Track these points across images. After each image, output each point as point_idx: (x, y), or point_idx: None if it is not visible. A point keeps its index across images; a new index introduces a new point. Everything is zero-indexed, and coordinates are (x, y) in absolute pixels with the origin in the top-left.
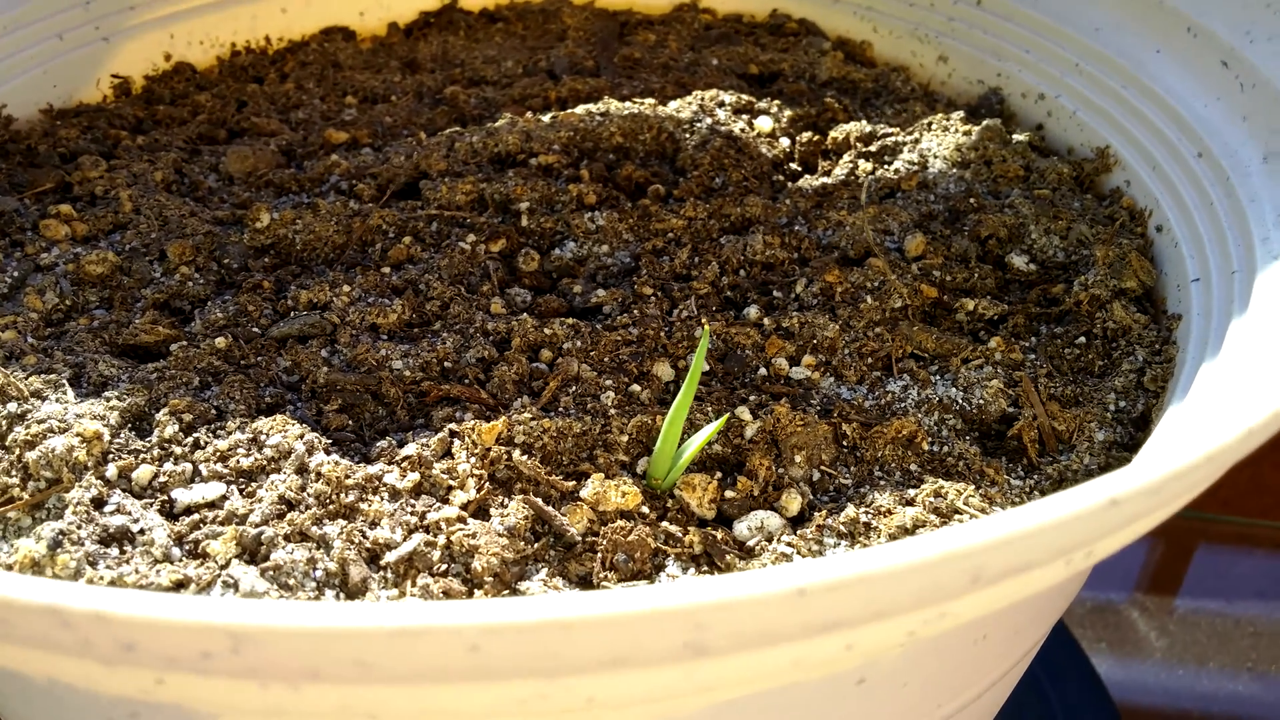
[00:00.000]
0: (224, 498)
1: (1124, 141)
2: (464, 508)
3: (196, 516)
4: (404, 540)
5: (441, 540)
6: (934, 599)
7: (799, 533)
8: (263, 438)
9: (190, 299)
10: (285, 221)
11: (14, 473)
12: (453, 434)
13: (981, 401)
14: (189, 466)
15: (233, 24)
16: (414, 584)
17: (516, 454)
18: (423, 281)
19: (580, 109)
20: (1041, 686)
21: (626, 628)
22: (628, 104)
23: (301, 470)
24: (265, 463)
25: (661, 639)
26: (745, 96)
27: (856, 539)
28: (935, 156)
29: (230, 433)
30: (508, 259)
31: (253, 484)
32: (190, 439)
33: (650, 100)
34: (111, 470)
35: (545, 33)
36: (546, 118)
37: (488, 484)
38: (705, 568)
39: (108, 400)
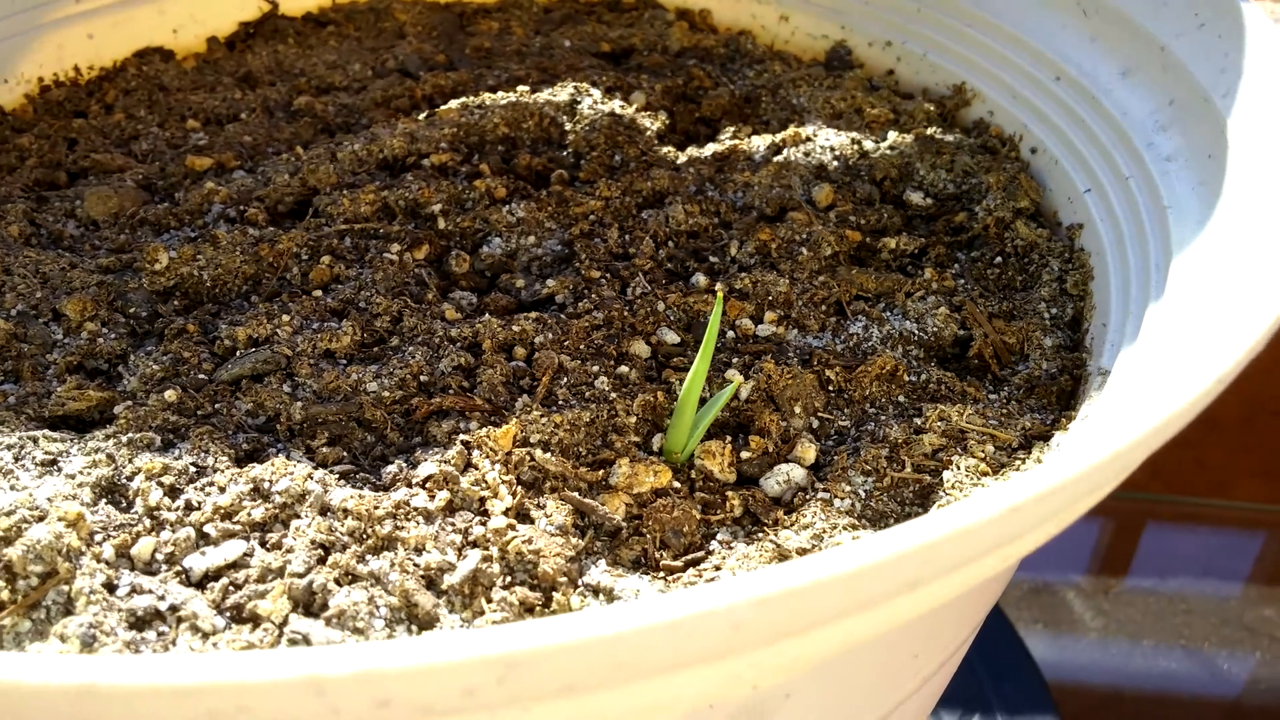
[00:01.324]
0: (247, 555)
1: (978, 76)
2: (506, 515)
3: (225, 581)
4: (459, 560)
5: (496, 552)
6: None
7: (826, 480)
8: (266, 486)
9: (106, 357)
10: (185, 259)
11: None
12: (466, 445)
13: (935, 329)
14: (190, 531)
15: (37, 57)
16: (487, 600)
17: (538, 453)
18: (361, 299)
19: (455, 104)
20: (973, 667)
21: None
22: (501, 94)
23: (325, 511)
24: (278, 511)
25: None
26: (612, 74)
27: (884, 475)
28: (809, 111)
29: (223, 488)
30: (435, 264)
31: (273, 535)
32: (179, 502)
33: (522, 88)
34: (108, 550)
35: (380, 32)
36: (422, 117)
37: (518, 488)
38: (752, 528)
39: (69, 478)
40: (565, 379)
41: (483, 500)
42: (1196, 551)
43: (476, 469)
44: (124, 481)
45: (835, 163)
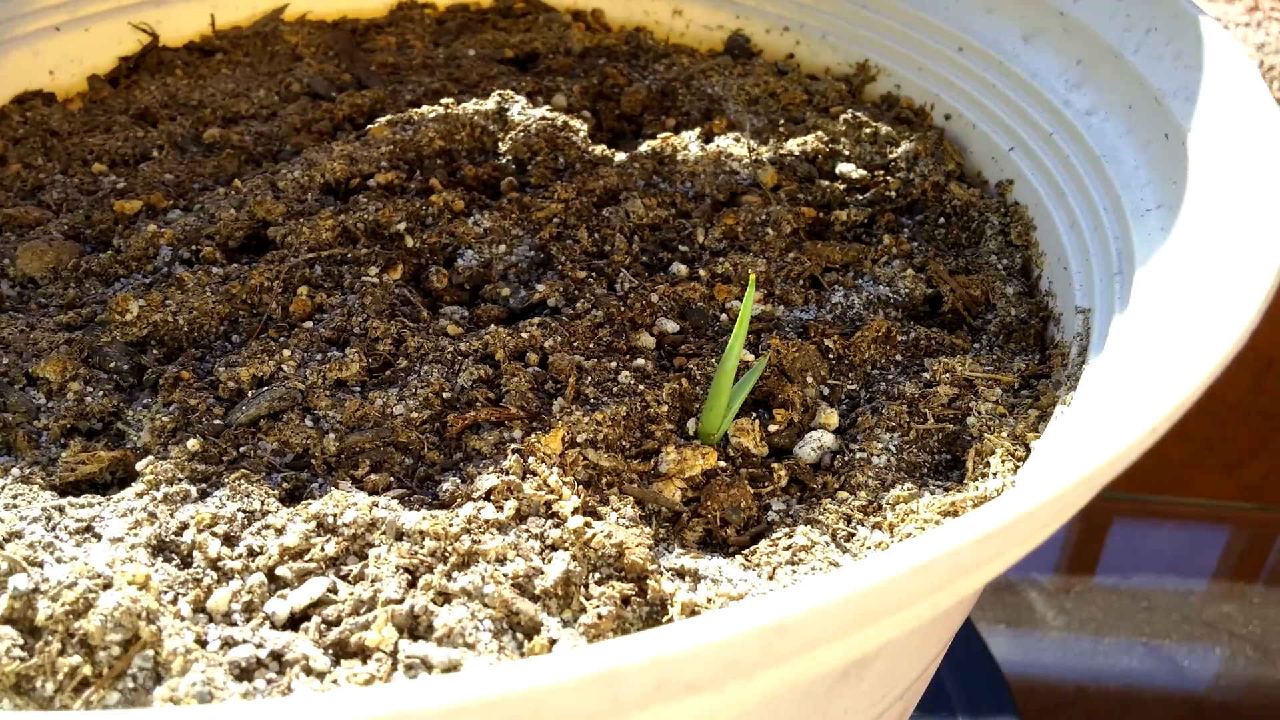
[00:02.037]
0: (331, 591)
1: (880, 52)
2: (576, 514)
3: (316, 620)
4: (546, 564)
5: (579, 551)
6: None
7: (859, 440)
8: (331, 520)
9: (99, 416)
10: (155, 305)
11: (70, 651)
12: (518, 453)
13: (907, 290)
14: (261, 577)
15: None
16: (586, 597)
17: (590, 452)
18: (355, 325)
19: (382, 122)
20: (938, 674)
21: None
22: (426, 108)
23: (401, 536)
24: (349, 544)
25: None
26: (528, 79)
27: (910, 428)
28: (725, 99)
29: (281, 529)
30: (413, 282)
31: (349, 568)
32: (239, 550)
33: (447, 100)
34: (185, 608)
35: (273, 55)
36: (354, 138)
37: (579, 488)
38: (803, 494)
39: (116, 541)
40: (588, 378)
41: (549, 504)
42: (1159, 549)
43: (535, 475)
44: (174, 537)
45: (767, 145)
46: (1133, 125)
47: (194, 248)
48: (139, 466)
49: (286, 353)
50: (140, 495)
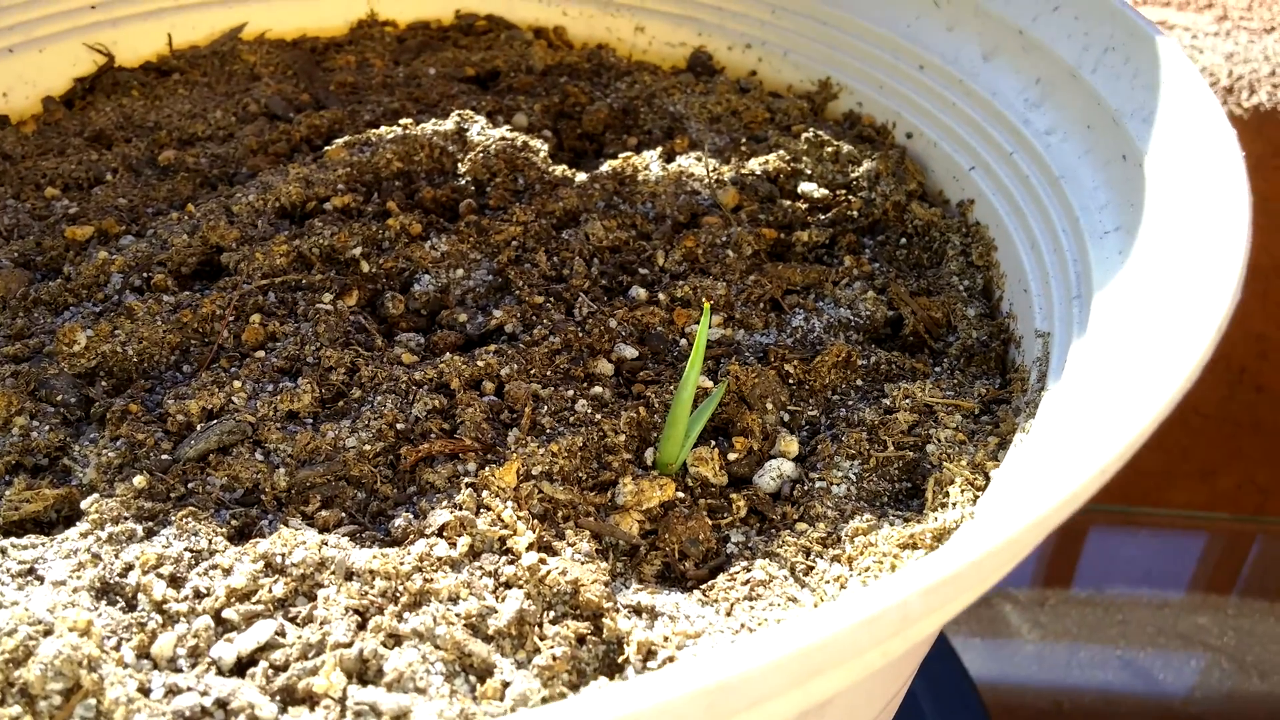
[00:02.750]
0: (279, 634)
1: (842, 71)
2: (531, 550)
3: (264, 665)
4: (500, 602)
5: (533, 589)
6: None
7: (819, 469)
8: (279, 560)
9: (45, 451)
10: (104, 335)
11: (10, 700)
12: (472, 487)
13: (868, 312)
14: (208, 620)
15: None
16: (540, 637)
17: (545, 485)
18: (308, 355)
19: (339, 143)
20: (911, 688)
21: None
22: (384, 129)
23: (350, 575)
24: (297, 584)
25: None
26: (489, 98)
27: (869, 456)
28: (687, 118)
29: (228, 569)
30: (368, 309)
31: (298, 609)
32: (185, 591)
33: (406, 120)
34: (128, 654)
35: (231, 75)
36: (310, 160)
37: (534, 522)
38: (762, 526)
39: (59, 585)
40: (545, 407)
41: (503, 540)
42: (1135, 560)
43: (489, 509)
44: (118, 579)
45: (729, 165)
46: (1091, 145)
47: (145, 275)
48: (84, 505)
49: (237, 384)
50: (85, 535)
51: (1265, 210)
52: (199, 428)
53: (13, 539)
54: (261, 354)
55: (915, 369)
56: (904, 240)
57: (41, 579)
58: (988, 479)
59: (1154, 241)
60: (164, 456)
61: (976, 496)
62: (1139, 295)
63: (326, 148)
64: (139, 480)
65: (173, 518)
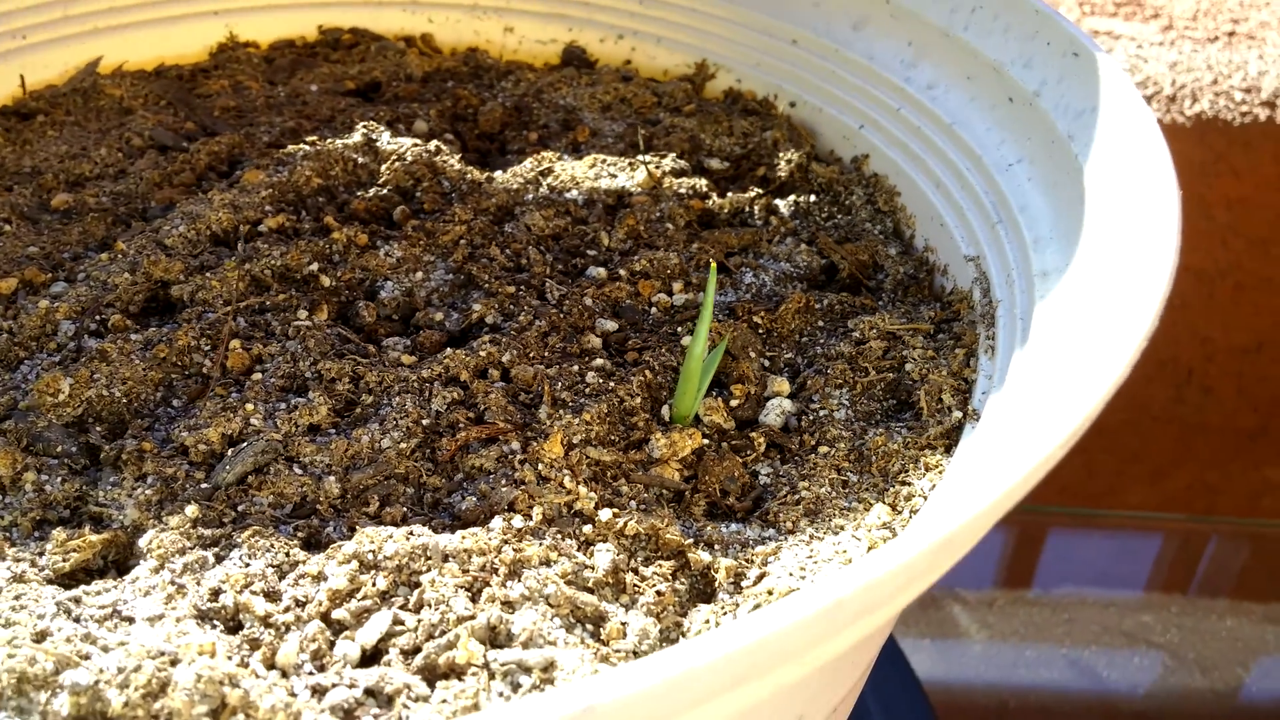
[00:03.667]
0: (397, 622)
1: (714, 52)
2: (599, 507)
3: (394, 652)
4: (590, 558)
5: (615, 541)
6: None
7: (815, 400)
8: (372, 556)
9: (65, 503)
10: (85, 382)
11: None
12: (525, 463)
13: (805, 263)
14: (318, 624)
15: None
16: (640, 579)
17: (591, 450)
18: (306, 370)
19: (251, 166)
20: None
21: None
22: (291, 147)
23: (448, 558)
24: (396, 575)
25: None
26: (384, 109)
27: (855, 383)
28: (579, 109)
29: (319, 576)
30: (341, 321)
31: (400, 598)
32: (285, 602)
33: (311, 138)
34: (258, 668)
35: (99, 112)
36: (227, 186)
37: (592, 484)
38: (782, 456)
39: (155, 620)
40: (559, 384)
41: (569, 504)
42: (1086, 561)
43: (549, 479)
44: (210, 605)
45: (630, 148)
46: (975, 93)
47: (99, 318)
48: (142, 543)
49: (250, 406)
50: (156, 571)
51: (1209, 216)
52: (229, 453)
53: (83, 588)
54: (258, 376)
55: (864, 305)
56: (813, 197)
57: (131, 619)
58: (969, 384)
59: (1060, 168)
60: (203, 486)
61: (965, 400)
62: (1064, 217)
63: (238, 173)
64: (191, 510)
65: (238, 539)
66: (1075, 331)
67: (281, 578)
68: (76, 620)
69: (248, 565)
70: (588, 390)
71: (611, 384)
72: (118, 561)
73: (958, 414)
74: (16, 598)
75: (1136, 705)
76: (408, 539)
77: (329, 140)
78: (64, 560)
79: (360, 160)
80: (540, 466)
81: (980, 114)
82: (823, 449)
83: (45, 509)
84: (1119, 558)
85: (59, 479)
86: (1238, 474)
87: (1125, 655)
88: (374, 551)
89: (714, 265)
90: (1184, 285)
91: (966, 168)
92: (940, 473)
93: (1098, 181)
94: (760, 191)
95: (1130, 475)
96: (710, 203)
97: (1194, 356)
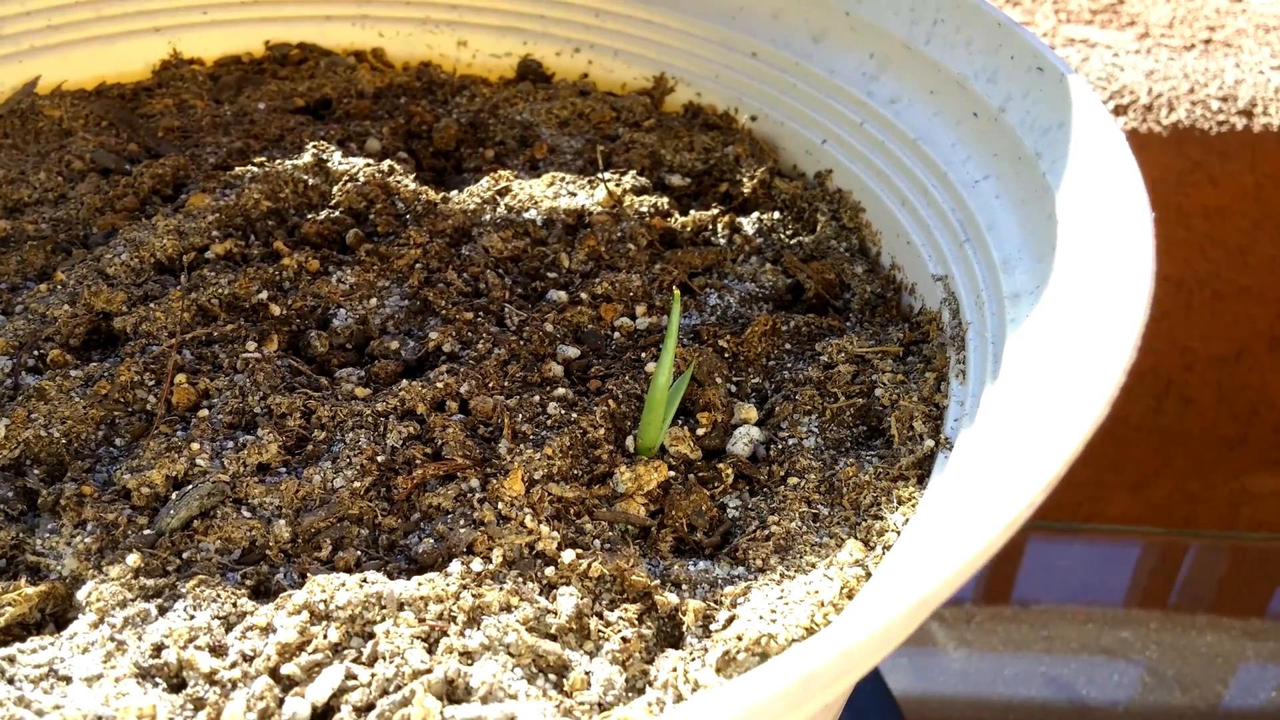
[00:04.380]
0: (350, 676)
1: (673, 65)
2: (562, 548)
3: (347, 709)
4: (553, 603)
5: (579, 584)
6: None
7: (784, 428)
8: (323, 606)
9: (0, 553)
10: (22, 422)
11: None
12: (484, 501)
13: (770, 283)
14: (266, 680)
15: None
16: (604, 624)
17: (553, 487)
18: (256, 406)
19: (197, 190)
20: None
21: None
22: (239, 169)
23: (402, 606)
24: (349, 626)
25: None
26: (336, 127)
27: (824, 409)
28: (536, 125)
29: (268, 628)
30: (292, 351)
31: (361, 649)
32: (232, 657)
33: (260, 159)
34: None
35: (38, 134)
36: (172, 210)
37: (554, 522)
38: (752, 488)
39: (93, 680)
40: (519, 415)
41: (532, 544)
42: (1065, 575)
43: (510, 519)
44: (152, 662)
45: (588, 165)
46: (939, 108)
47: (38, 353)
48: (81, 595)
49: (195, 446)
50: (96, 625)
51: (1186, 225)
52: (173, 497)
53: (17, 645)
54: (204, 412)
55: (832, 327)
56: (777, 214)
57: (68, 678)
58: (940, 410)
59: (1028, 185)
60: (145, 532)
61: (936, 427)
62: (1034, 234)
63: (184, 196)
64: (133, 559)
65: (183, 589)
66: (1051, 370)
67: (228, 630)
68: (10, 681)
69: (192, 618)
70: (549, 422)
71: (574, 415)
72: (56, 614)
73: (929, 442)
74: None
75: None
76: (361, 586)
77: (278, 161)
78: (1, 615)
79: (311, 181)
80: (500, 505)
81: (945, 129)
82: (792, 480)
83: None
84: (1098, 570)
85: None
86: (1218, 483)
87: (1105, 672)
88: (326, 601)
89: (677, 291)
90: (1162, 295)
91: (932, 184)
92: (913, 506)
93: (1068, 204)
94: (723, 209)
95: (1111, 485)
96: (673, 221)
97: (1173, 366)
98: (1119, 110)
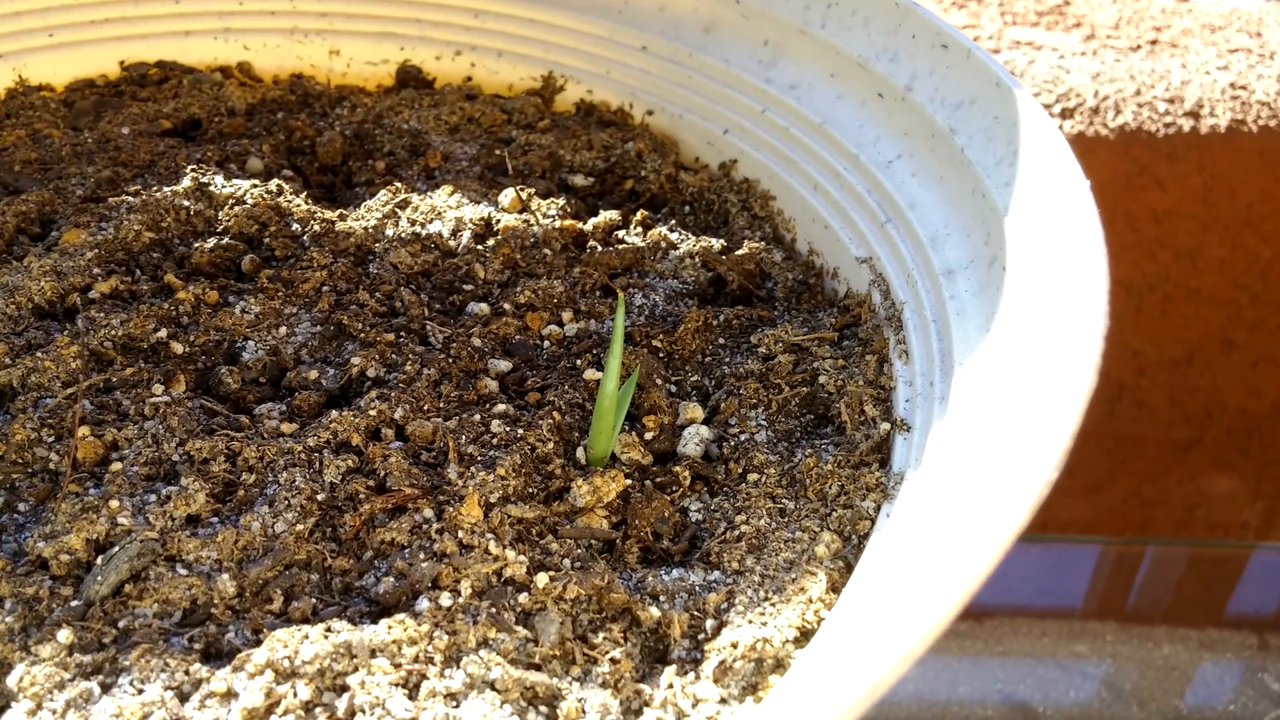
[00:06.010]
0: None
1: (561, 64)
2: (532, 572)
3: None
4: (530, 630)
5: (556, 608)
6: None
7: (732, 424)
8: (287, 663)
9: None
10: None
11: None
12: (442, 531)
13: (692, 278)
14: None
15: None
16: (589, 647)
17: (511, 509)
18: (174, 454)
19: (68, 225)
20: None
21: None
22: (113, 200)
23: (374, 653)
24: (318, 680)
25: None
26: (211, 149)
27: (770, 402)
28: (425, 132)
29: (229, 694)
30: (202, 391)
31: (335, 704)
32: None
33: (134, 187)
34: None
35: None
36: (45, 250)
37: (518, 545)
38: (710, 488)
39: None
40: (463, 437)
41: (499, 572)
42: (1024, 580)
43: (472, 547)
44: None
45: (489, 170)
46: (841, 91)
47: None
48: (11, 682)
49: (114, 504)
50: (33, 714)
51: (1135, 229)
52: (98, 562)
53: None
54: (117, 466)
55: (762, 317)
56: (688, 208)
57: None
58: (888, 393)
59: (946, 161)
60: (73, 604)
61: (887, 411)
62: (953, 211)
63: (56, 233)
64: (65, 635)
65: (125, 662)
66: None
67: (183, 701)
68: None
69: (141, 692)
70: (495, 441)
71: (519, 431)
72: None
73: (885, 425)
74: None
75: None
76: (326, 637)
77: (154, 188)
78: None
79: (194, 208)
80: (460, 533)
81: (850, 111)
82: (752, 476)
83: None
84: (1053, 577)
85: None
86: (1173, 486)
87: (1061, 687)
88: (290, 657)
89: (621, 294)
90: (1113, 299)
91: (844, 167)
92: (883, 492)
93: (998, 181)
94: (630, 206)
95: (1065, 490)
96: (584, 223)
97: (1125, 371)
98: (1065, 114)
